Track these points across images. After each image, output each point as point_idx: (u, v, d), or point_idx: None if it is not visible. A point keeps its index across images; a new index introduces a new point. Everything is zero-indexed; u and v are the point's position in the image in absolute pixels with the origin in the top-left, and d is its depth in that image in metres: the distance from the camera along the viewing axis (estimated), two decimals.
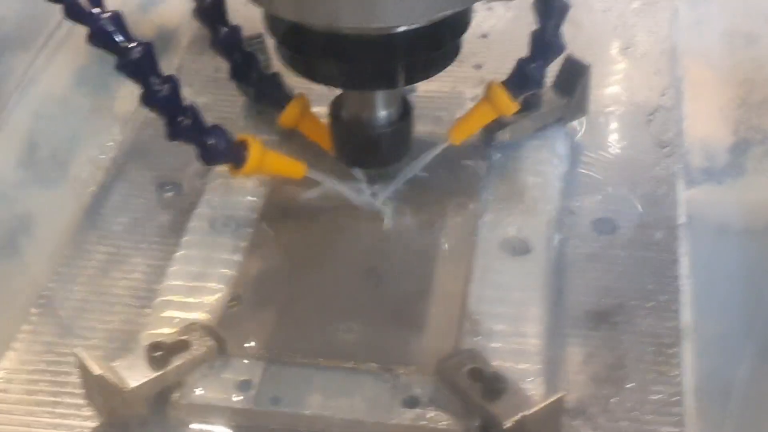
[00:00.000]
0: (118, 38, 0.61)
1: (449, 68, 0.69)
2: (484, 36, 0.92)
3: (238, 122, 0.80)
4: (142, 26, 0.92)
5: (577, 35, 0.90)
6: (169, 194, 0.78)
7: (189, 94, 0.65)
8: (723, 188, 0.79)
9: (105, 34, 0.61)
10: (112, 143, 0.83)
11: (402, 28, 0.62)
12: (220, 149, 0.66)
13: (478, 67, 0.88)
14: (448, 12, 0.62)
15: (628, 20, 0.93)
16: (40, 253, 0.74)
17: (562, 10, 0.72)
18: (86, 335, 0.68)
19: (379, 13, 0.59)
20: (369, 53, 0.64)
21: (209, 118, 0.66)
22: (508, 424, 0.58)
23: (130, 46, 0.61)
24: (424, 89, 0.84)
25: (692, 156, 0.81)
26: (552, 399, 0.59)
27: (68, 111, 0.86)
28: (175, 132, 0.64)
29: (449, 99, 0.84)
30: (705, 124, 0.84)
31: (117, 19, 0.61)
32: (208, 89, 0.86)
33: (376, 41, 0.63)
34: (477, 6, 0.91)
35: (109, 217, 0.77)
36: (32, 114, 0.84)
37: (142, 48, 0.61)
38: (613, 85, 0.86)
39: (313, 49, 0.65)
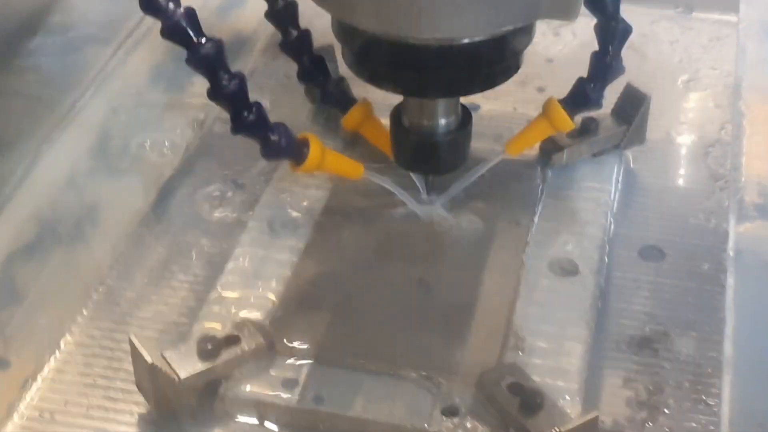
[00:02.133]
0: (190, 33, 0.63)
1: (513, 89, 0.71)
2: (550, 60, 0.93)
3: (305, 128, 0.82)
4: (219, 30, 0.92)
5: (641, 65, 0.92)
6: (232, 192, 0.80)
7: (259, 98, 0.68)
8: None
9: (178, 28, 0.62)
10: (181, 140, 0.86)
11: (464, 41, 0.64)
12: (282, 145, 0.68)
13: (541, 90, 0.89)
14: (509, 27, 0.64)
15: (693, 54, 0.94)
16: (105, 241, 0.77)
17: (624, 34, 0.73)
18: (142, 324, 0.70)
19: (441, 26, 0.61)
20: (432, 63, 0.65)
21: (278, 120, 0.69)
22: None
23: (201, 40, 0.63)
24: (487, 108, 0.86)
25: (746, 192, 0.81)
26: (587, 418, 0.60)
27: (141, 106, 0.90)
28: (239, 126, 0.66)
29: (510, 119, 0.86)
30: (763, 161, 0.84)
31: (190, 15, 0.63)
32: (278, 94, 0.88)
33: (439, 52, 0.65)
34: (545, 30, 0.94)
35: (173, 212, 0.79)
36: (107, 107, 0.88)
37: (213, 44, 0.63)
38: (672, 116, 0.87)
39: (378, 56, 0.66)
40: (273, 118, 0.68)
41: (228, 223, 0.77)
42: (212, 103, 0.66)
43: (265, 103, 0.68)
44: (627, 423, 0.64)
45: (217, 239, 0.76)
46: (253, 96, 0.67)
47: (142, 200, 0.80)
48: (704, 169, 0.82)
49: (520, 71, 0.70)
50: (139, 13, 0.63)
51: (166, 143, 0.85)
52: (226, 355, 0.64)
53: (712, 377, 0.67)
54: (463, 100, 0.72)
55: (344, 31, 0.67)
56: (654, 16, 0.99)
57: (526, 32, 0.67)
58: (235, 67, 0.66)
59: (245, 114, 0.66)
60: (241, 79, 0.65)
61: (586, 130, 0.79)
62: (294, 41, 0.79)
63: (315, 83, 0.81)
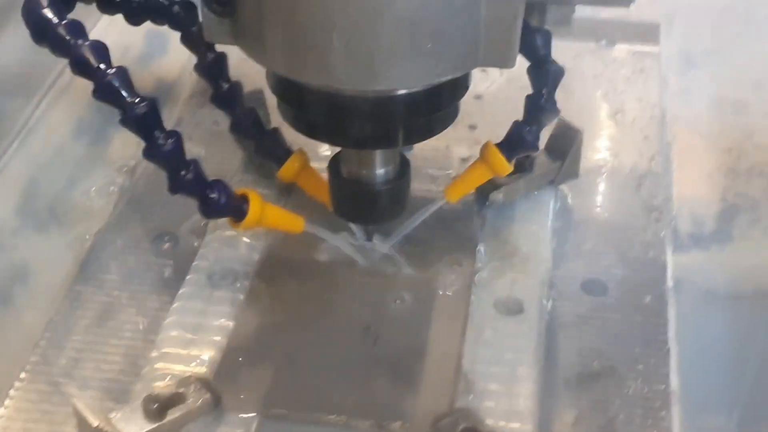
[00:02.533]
0: (124, 93, 0.61)
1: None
2: (478, 97, 0.93)
3: (237, 175, 0.81)
4: (143, 79, 0.93)
5: (567, 100, 0.92)
6: (166, 245, 0.78)
7: (188, 147, 0.66)
8: (710, 254, 0.80)
9: (111, 90, 0.61)
10: (108, 194, 0.84)
11: (401, 91, 0.64)
12: (221, 203, 0.67)
13: (473, 127, 0.89)
14: (447, 77, 0.63)
15: (618, 86, 0.95)
16: (36, 301, 0.75)
17: (556, 76, 0.73)
18: (83, 385, 0.68)
19: (379, 78, 0.60)
20: (369, 114, 0.65)
21: (208, 170, 0.67)
22: None
23: (135, 101, 0.62)
24: (420, 148, 0.84)
25: (680, 221, 0.82)
26: None
27: (66, 160, 0.87)
28: (177, 186, 0.65)
29: (444, 158, 0.86)
30: (693, 190, 0.86)
31: (123, 74, 0.61)
32: (208, 142, 0.86)
33: (376, 103, 0.64)
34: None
35: (106, 268, 0.77)
36: (31, 162, 0.85)
37: (147, 103, 0.62)
38: (603, 150, 0.88)
39: (313, 107, 0.66)
40: (203, 165, 0.67)
41: (165, 276, 0.76)
42: (139, 154, 0.64)
43: (196, 152, 0.66)
44: None
45: (155, 293, 0.74)
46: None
47: (73, 257, 0.78)
48: (638, 201, 0.83)
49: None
50: (60, 62, 0.62)
51: (95, 197, 0.83)
52: (173, 413, 0.62)
53: (661, 410, 0.67)
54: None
55: (280, 83, 0.66)
56: (576, 50, 0.99)
57: (463, 80, 0.67)
58: (162, 116, 0.64)
59: (183, 173, 0.65)
60: (177, 137, 0.64)
61: (522, 167, 0.79)
62: (225, 94, 0.77)
63: (248, 136, 0.79)
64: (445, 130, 0.71)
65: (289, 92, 0.66)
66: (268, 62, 0.63)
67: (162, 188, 0.66)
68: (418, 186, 0.79)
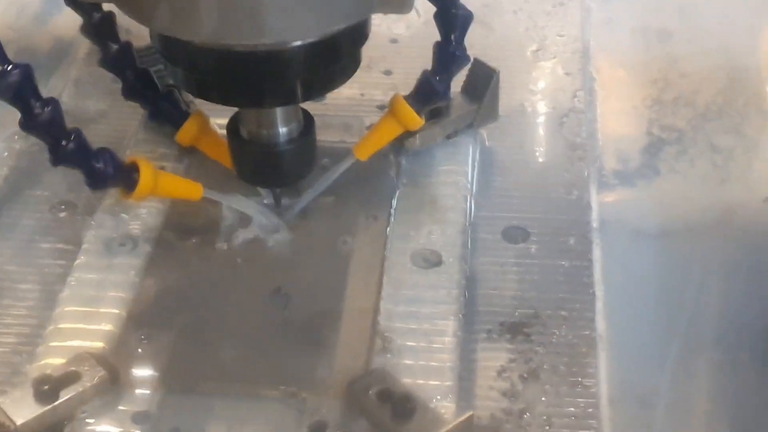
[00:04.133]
0: None
1: (358, 74, 0.68)
2: (394, 41, 0.90)
3: (139, 134, 0.77)
4: (38, 38, 0.88)
5: (488, 37, 0.89)
6: (63, 214, 0.74)
7: (88, 105, 0.62)
8: (636, 191, 0.77)
9: None
10: (2, 162, 0.79)
11: (295, 43, 0.60)
12: (108, 173, 0.63)
13: (388, 73, 0.86)
14: (341, 26, 0.60)
15: (538, 21, 0.92)
16: None
17: (465, 21, 0.70)
18: None
19: (266, 30, 0.57)
20: (263, 71, 0.61)
21: (109, 131, 0.64)
22: None
23: (7, 68, 0.58)
24: (333, 96, 0.81)
25: (605, 159, 0.79)
26: (461, 418, 0.58)
27: None
28: (59, 157, 0.62)
29: (358, 106, 0.82)
30: (618, 125, 0.83)
31: None
32: (107, 101, 0.82)
33: (270, 57, 0.61)
34: None
35: (1, 240, 0.73)
36: None
37: (20, 70, 0.58)
38: (523, 88, 0.85)
39: (205, 68, 0.62)
40: (103, 129, 0.63)
41: (61, 248, 0.72)
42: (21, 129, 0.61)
43: (95, 111, 0.62)
44: (505, 416, 0.62)
45: (51, 267, 0.70)
46: (81, 106, 0.61)
47: None
48: (561, 140, 0.80)
49: (364, 54, 0.67)
50: None
51: None
52: (66, 393, 0.59)
53: (588, 356, 0.65)
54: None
55: (166, 44, 0.62)
56: None
57: (360, 28, 0.64)
58: (58, 77, 0.60)
59: (64, 143, 0.61)
60: (55, 105, 0.60)
61: (437, 111, 0.76)
62: (114, 56, 0.73)
63: (142, 100, 0.76)
64: (360, 76, 0.68)
65: (175, 51, 0.62)
66: (146, 20, 0.60)
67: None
68: (331, 137, 0.77)
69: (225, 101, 0.65)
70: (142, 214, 0.72)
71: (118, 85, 0.80)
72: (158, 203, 0.72)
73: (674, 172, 0.79)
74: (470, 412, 0.58)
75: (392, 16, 0.92)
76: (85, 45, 0.89)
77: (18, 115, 0.73)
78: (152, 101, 0.75)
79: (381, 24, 0.89)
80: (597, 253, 0.71)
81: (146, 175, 0.65)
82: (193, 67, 0.63)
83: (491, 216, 0.74)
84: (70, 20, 0.91)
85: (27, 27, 0.60)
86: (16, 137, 0.80)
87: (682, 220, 0.76)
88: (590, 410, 0.62)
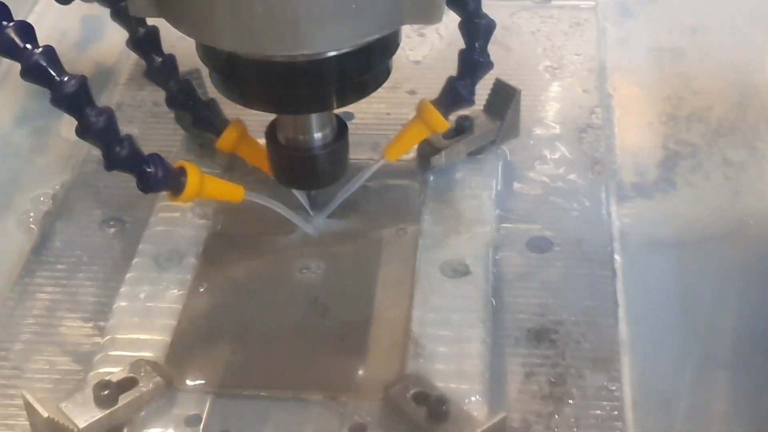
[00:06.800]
0: (52, 72, 0.61)
1: (384, 94, 0.71)
2: (417, 63, 0.94)
3: (180, 156, 0.81)
4: (80, 64, 0.92)
5: (506, 58, 0.93)
6: (113, 230, 0.78)
7: (129, 129, 0.66)
8: (654, 203, 0.81)
9: (38, 69, 0.60)
10: (56, 181, 0.83)
11: (330, 53, 0.64)
12: (158, 177, 0.66)
13: (413, 93, 0.90)
14: (374, 36, 0.63)
15: (556, 41, 0.96)
16: None
17: (488, 29, 0.73)
18: (34, 377, 0.68)
19: (305, 41, 0.60)
20: (300, 79, 0.65)
21: (151, 152, 0.67)
22: None
23: (63, 78, 0.61)
24: (361, 116, 0.85)
25: (623, 172, 0.83)
26: (495, 419, 0.61)
27: (9, 151, 0.87)
28: (112, 162, 0.65)
29: (386, 124, 0.86)
30: (635, 140, 0.86)
31: (50, 53, 0.61)
32: (149, 124, 0.87)
33: (307, 67, 0.64)
34: (409, 32, 0.95)
35: (55, 255, 0.77)
36: None
37: (76, 81, 0.61)
38: (543, 106, 0.88)
39: (246, 77, 0.66)
40: (146, 149, 0.67)
41: (113, 261, 0.76)
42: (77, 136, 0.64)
43: (137, 135, 0.66)
44: (535, 418, 0.65)
45: (103, 279, 0.74)
46: (123, 129, 0.65)
47: (21, 246, 0.78)
48: (580, 155, 0.84)
49: (390, 76, 0.70)
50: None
51: (39, 187, 0.83)
52: (125, 399, 0.62)
53: (612, 362, 0.68)
54: (336, 110, 0.71)
55: (210, 54, 0.66)
56: (513, 9, 1.00)
57: (392, 38, 0.67)
58: (101, 102, 0.64)
59: (117, 149, 0.64)
60: (109, 114, 0.63)
61: (462, 129, 0.79)
62: (158, 68, 0.77)
63: (184, 108, 0.79)
64: (386, 96, 0.71)
65: (219, 61, 0.66)
66: (193, 32, 0.63)
67: (105, 172, 0.65)
68: (360, 155, 0.80)
69: (265, 108, 0.68)
70: (189, 227, 0.75)
71: (159, 109, 0.84)
72: (203, 218, 0.76)
73: (689, 184, 0.82)
74: (504, 414, 0.61)
75: (415, 38, 0.96)
76: (126, 70, 0.93)
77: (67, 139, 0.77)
78: (194, 111, 0.78)
79: (404, 47, 0.93)
80: (618, 263, 0.75)
81: (193, 177, 0.68)
82: (234, 77, 0.66)
83: (515, 227, 0.77)
84: (110, 46, 0.96)
85: (69, 53, 0.63)
86: (69, 161, 0.84)
87: (698, 230, 0.78)
88: (615, 413, 0.65)
